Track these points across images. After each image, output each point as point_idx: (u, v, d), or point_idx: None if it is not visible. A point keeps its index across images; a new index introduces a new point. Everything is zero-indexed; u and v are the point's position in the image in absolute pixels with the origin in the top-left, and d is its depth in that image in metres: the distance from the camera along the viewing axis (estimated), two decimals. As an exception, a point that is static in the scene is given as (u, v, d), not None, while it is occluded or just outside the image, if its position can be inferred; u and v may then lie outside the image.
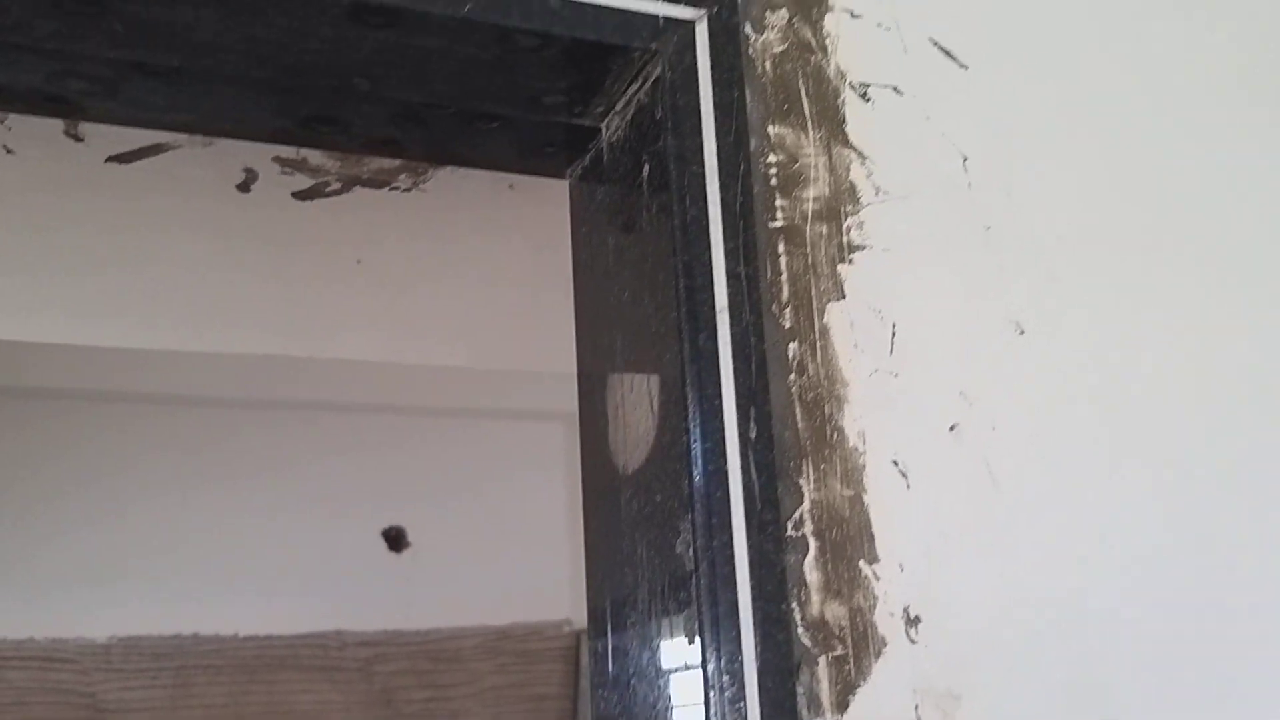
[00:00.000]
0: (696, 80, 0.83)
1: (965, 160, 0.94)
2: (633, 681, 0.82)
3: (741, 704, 0.70)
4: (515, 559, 2.88)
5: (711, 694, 0.70)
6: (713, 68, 0.83)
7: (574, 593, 3.01)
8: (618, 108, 0.90)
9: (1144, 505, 0.89)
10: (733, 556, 0.73)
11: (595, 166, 0.99)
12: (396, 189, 1.20)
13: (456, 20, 0.78)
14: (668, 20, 0.83)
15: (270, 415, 2.65)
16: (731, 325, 0.78)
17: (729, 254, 0.79)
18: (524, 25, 0.79)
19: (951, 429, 0.86)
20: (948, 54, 0.96)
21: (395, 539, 2.84)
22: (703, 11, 0.85)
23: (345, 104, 0.92)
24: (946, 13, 0.97)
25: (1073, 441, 0.89)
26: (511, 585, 2.82)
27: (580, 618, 2.88)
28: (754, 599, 0.72)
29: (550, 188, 1.15)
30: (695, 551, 0.73)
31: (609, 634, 0.89)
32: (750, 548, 0.73)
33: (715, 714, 0.70)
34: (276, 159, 1.13)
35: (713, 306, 0.78)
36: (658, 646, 0.78)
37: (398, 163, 1.16)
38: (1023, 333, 0.91)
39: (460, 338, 1.70)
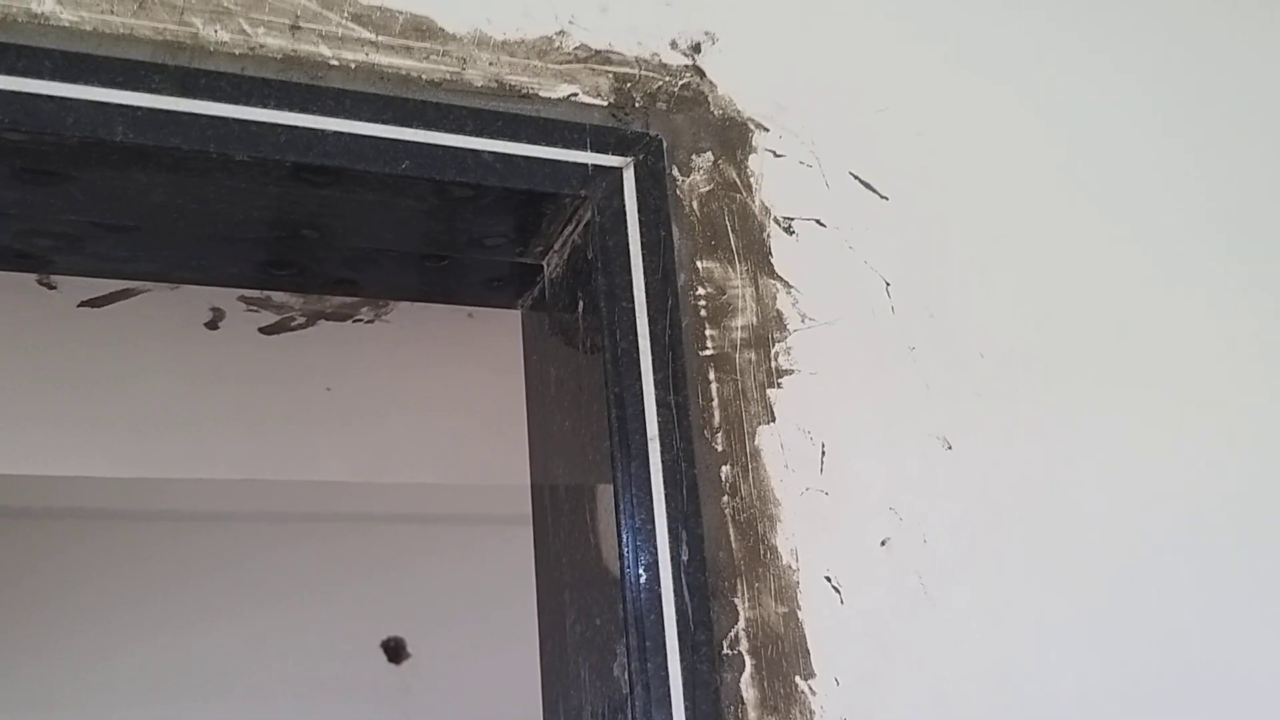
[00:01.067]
0: (625, 222, 0.88)
1: (888, 285, 0.99)
2: (581, 804, 0.84)
3: (678, 825, 0.72)
4: (517, 668, 2.84)
5: (649, 815, 0.72)
6: (640, 210, 0.89)
7: None
8: (555, 247, 0.95)
9: (1070, 620, 0.92)
10: (667, 678, 0.76)
11: (541, 298, 1.04)
12: (360, 320, 1.25)
13: (394, 176, 0.83)
14: (596, 168, 0.89)
15: (263, 529, 2.66)
16: (663, 452, 0.82)
17: (659, 384, 0.83)
18: (458, 178, 0.84)
19: (883, 544, 0.89)
20: (868, 186, 1.02)
21: (395, 650, 2.83)
22: (630, 159, 0.91)
23: (299, 251, 0.97)
24: (866, 148, 1.03)
25: (1000, 554, 0.93)
26: (513, 695, 2.79)
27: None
28: (689, 719, 0.75)
29: (507, 316, 1.20)
30: (630, 675, 0.76)
31: (562, 757, 0.91)
32: (684, 668, 0.76)
33: (654, 835, 0.72)
34: (242, 298, 1.18)
35: (644, 435, 0.82)
36: (601, 769, 0.80)
37: (357, 297, 1.21)
38: (950, 448, 0.95)
39: (429, 458, 1.74)
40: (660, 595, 0.78)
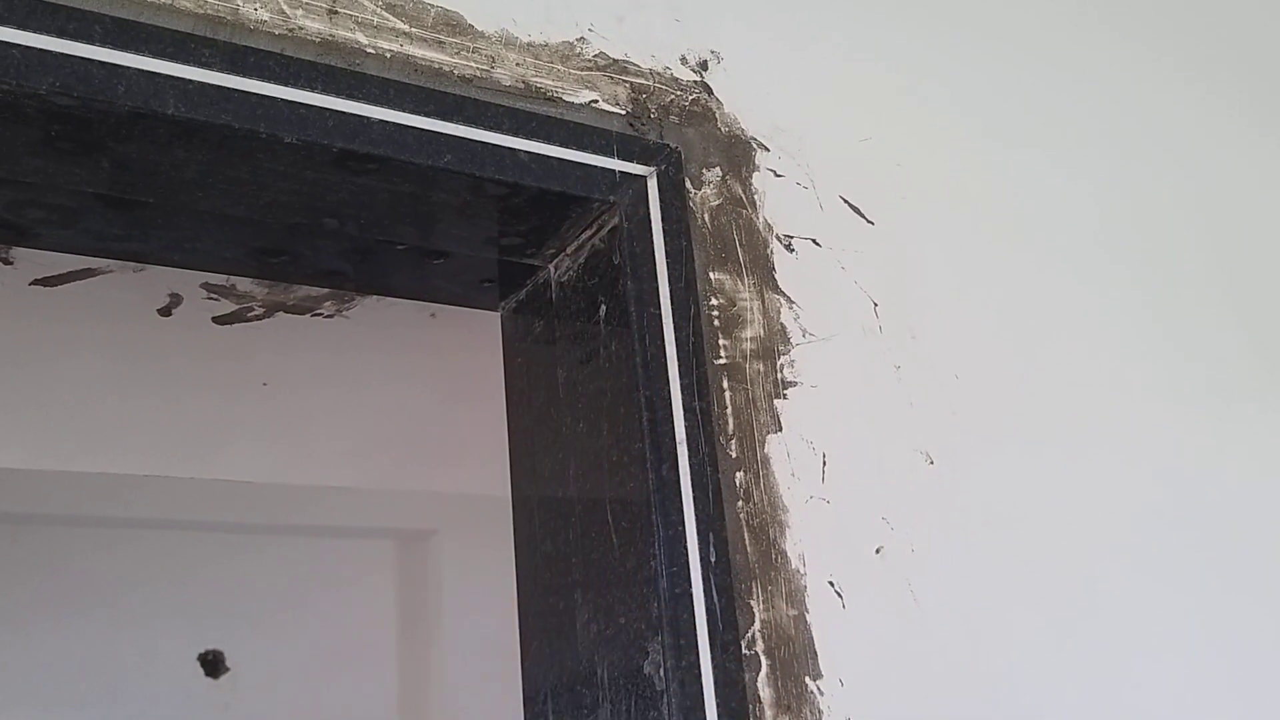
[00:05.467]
0: (650, 230, 0.90)
1: (875, 306, 1.03)
2: (588, 801, 0.85)
3: (713, 817, 0.74)
4: (341, 684, 2.79)
5: (684, 808, 0.74)
6: (663, 219, 0.91)
7: (403, 716, 2.93)
8: (568, 250, 0.97)
9: (1038, 627, 0.99)
10: (700, 676, 0.78)
11: (533, 301, 1.05)
12: (320, 315, 1.22)
13: (435, 169, 0.83)
14: (624, 174, 0.91)
15: (72, 532, 2.50)
16: (690, 456, 0.84)
17: (684, 389, 0.86)
18: (497, 175, 0.85)
19: (877, 551, 0.93)
20: (856, 210, 1.07)
21: (213, 664, 2.73)
22: (653, 168, 0.93)
23: (303, 239, 0.95)
24: (853, 174, 1.08)
25: (977, 564, 0.98)
26: (337, 711, 2.73)
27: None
28: (719, 715, 0.77)
29: (471, 318, 1.20)
30: (665, 671, 0.77)
31: (553, 755, 0.91)
32: (715, 667, 0.78)
33: (687, 828, 0.74)
34: (204, 285, 1.15)
35: (673, 438, 0.84)
36: (621, 765, 0.81)
37: (325, 290, 1.19)
38: (932, 463, 1.00)
39: (350, 460, 1.71)
40: (691, 595, 0.80)
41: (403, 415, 1.53)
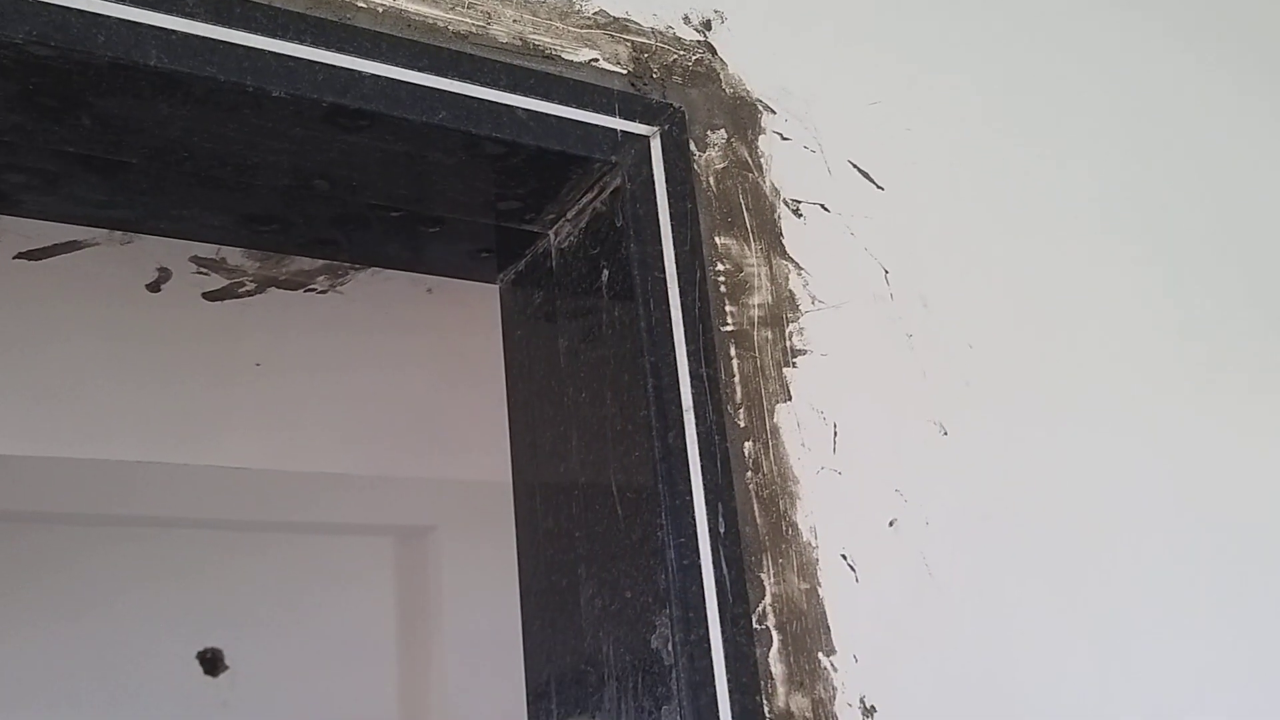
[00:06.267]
0: (654, 191, 0.87)
1: (886, 274, 1.00)
2: (593, 783, 0.82)
3: (724, 796, 0.71)
4: (341, 681, 2.77)
5: (694, 788, 0.71)
6: (667, 180, 0.88)
7: (403, 714, 2.89)
8: (569, 215, 0.93)
9: (1053, 603, 0.95)
10: (709, 650, 0.75)
11: (532, 271, 1.02)
12: (313, 290, 1.19)
13: (429, 126, 0.80)
14: (625, 134, 0.88)
15: (71, 531, 2.47)
16: (697, 424, 0.81)
17: (691, 355, 0.82)
18: (494, 134, 0.82)
19: (891, 524, 0.90)
20: (866, 175, 1.03)
21: (212, 662, 2.70)
22: (656, 128, 0.89)
23: (293, 204, 0.92)
24: (862, 138, 1.05)
25: (991, 537, 0.95)
26: (337, 709, 2.71)
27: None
28: (730, 691, 0.74)
29: (469, 292, 1.17)
30: (674, 646, 0.74)
31: (556, 737, 0.88)
32: (725, 641, 0.75)
33: (697, 808, 0.71)
34: (194, 258, 1.11)
35: (679, 406, 0.81)
36: (628, 744, 0.78)
37: (319, 264, 1.16)
38: (945, 434, 0.97)
39: (348, 445, 1.67)
40: (700, 567, 0.77)
41: (400, 398, 1.50)
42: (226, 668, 2.69)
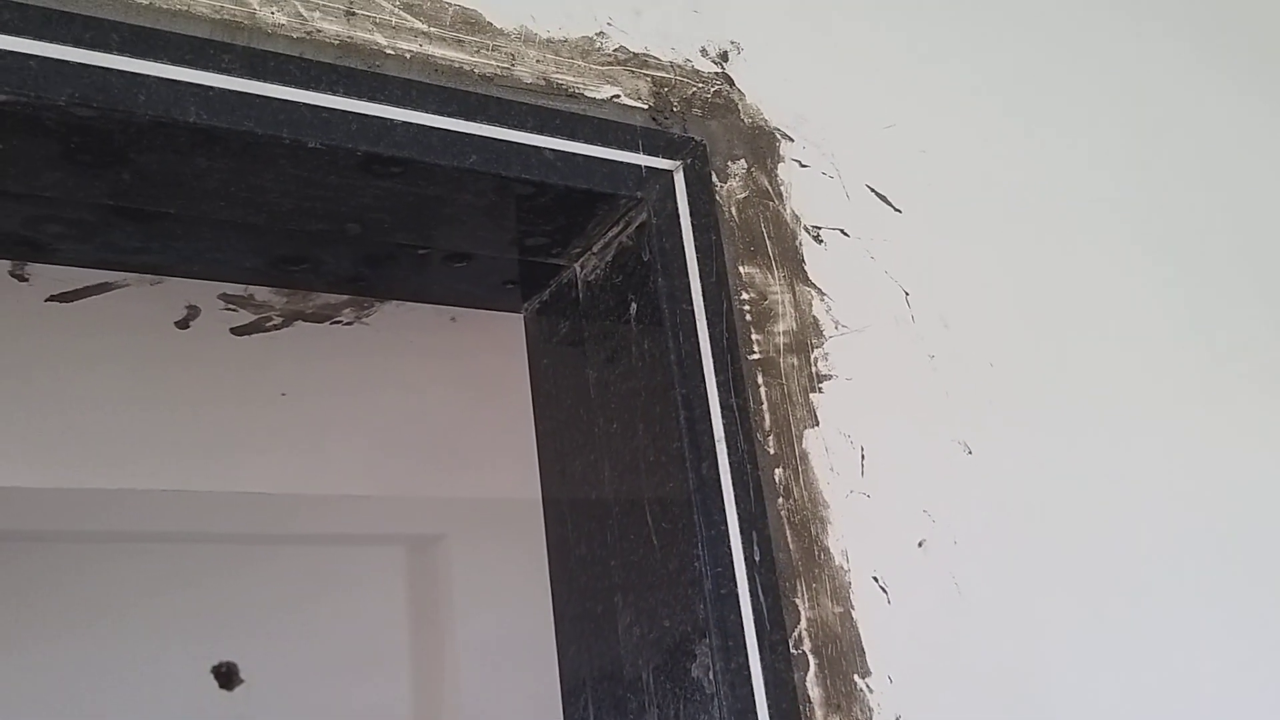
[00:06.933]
0: (679, 225, 0.88)
1: (907, 296, 1.02)
2: (636, 808, 0.83)
3: (769, 822, 0.73)
4: (355, 691, 2.78)
5: (739, 814, 0.73)
6: (691, 213, 0.89)
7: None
8: (594, 249, 0.95)
9: (1083, 618, 0.97)
10: (749, 678, 0.76)
11: (557, 301, 1.03)
12: (339, 323, 1.21)
13: (460, 170, 0.81)
14: (650, 170, 0.89)
15: (84, 548, 2.48)
16: (729, 454, 0.82)
17: (720, 386, 0.84)
18: (522, 175, 0.83)
19: (920, 545, 0.92)
20: (883, 199, 1.05)
21: (226, 676, 2.71)
22: (679, 162, 0.91)
23: (324, 246, 0.93)
24: (878, 162, 1.06)
25: (1020, 555, 0.97)
26: (353, 718, 2.72)
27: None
28: (770, 718, 0.75)
29: (492, 320, 1.19)
30: (715, 675, 0.76)
31: (596, 763, 0.90)
32: (764, 668, 0.77)
33: (742, 834, 0.73)
34: (222, 295, 1.13)
35: (711, 436, 0.82)
36: (671, 771, 0.80)
37: (344, 297, 1.17)
38: (970, 453, 0.98)
39: (369, 466, 1.69)
40: (737, 596, 0.78)
41: (421, 421, 1.51)
42: (242, 681, 2.70)
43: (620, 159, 0.88)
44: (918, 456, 0.95)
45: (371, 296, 1.11)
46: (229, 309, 1.14)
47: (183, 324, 1.17)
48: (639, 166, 0.89)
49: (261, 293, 1.13)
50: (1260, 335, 1.21)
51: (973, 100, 1.16)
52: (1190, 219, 1.25)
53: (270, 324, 1.18)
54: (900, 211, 1.05)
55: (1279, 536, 1.11)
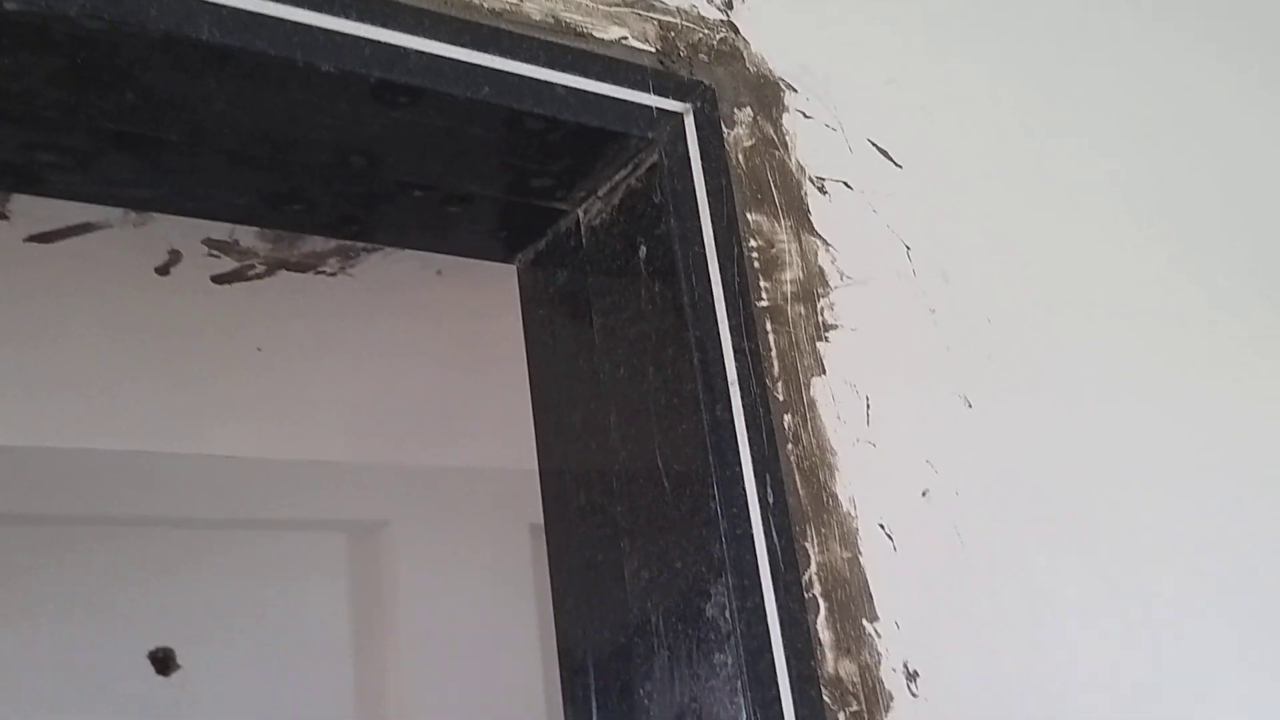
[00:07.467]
0: (690, 168, 0.87)
1: (908, 250, 1.02)
2: (642, 754, 0.82)
3: (786, 761, 0.72)
4: (296, 680, 2.75)
5: (756, 753, 0.72)
6: (702, 157, 0.88)
7: (359, 712, 2.87)
8: (600, 193, 0.94)
9: (1086, 567, 0.98)
10: (765, 617, 0.76)
11: (555, 250, 1.02)
12: (323, 272, 1.18)
13: (473, 102, 0.80)
14: (661, 111, 0.88)
15: (15, 531, 2.42)
16: (742, 397, 0.81)
17: (733, 330, 0.83)
18: (535, 110, 0.82)
19: (924, 494, 0.92)
20: (885, 154, 1.05)
21: (163, 662, 2.67)
22: (689, 105, 0.90)
23: (322, 182, 0.91)
24: (880, 117, 1.06)
25: (1019, 507, 0.97)
26: (292, 705, 2.69)
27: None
28: (787, 658, 0.75)
29: (478, 274, 1.17)
30: (731, 613, 0.75)
31: (594, 710, 0.89)
32: (779, 608, 0.76)
33: (758, 773, 0.72)
34: (206, 240, 1.10)
35: (725, 379, 0.81)
36: (680, 712, 0.79)
37: (331, 245, 1.15)
38: (970, 406, 0.98)
39: (343, 433, 1.66)
40: (753, 537, 0.78)
41: (399, 385, 1.49)
42: (179, 667, 2.65)
43: (632, 98, 0.87)
44: (920, 408, 0.95)
45: (363, 240, 1.09)
46: (212, 254, 1.11)
47: (163, 270, 1.13)
48: (650, 107, 0.87)
49: (247, 238, 1.10)
50: (1251, 295, 1.23)
51: (973, 60, 1.16)
52: (1190, 181, 1.26)
53: (253, 272, 1.15)
54: (901, 167, 1.05)
55: (1270, 485, 1.13)
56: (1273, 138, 1.39)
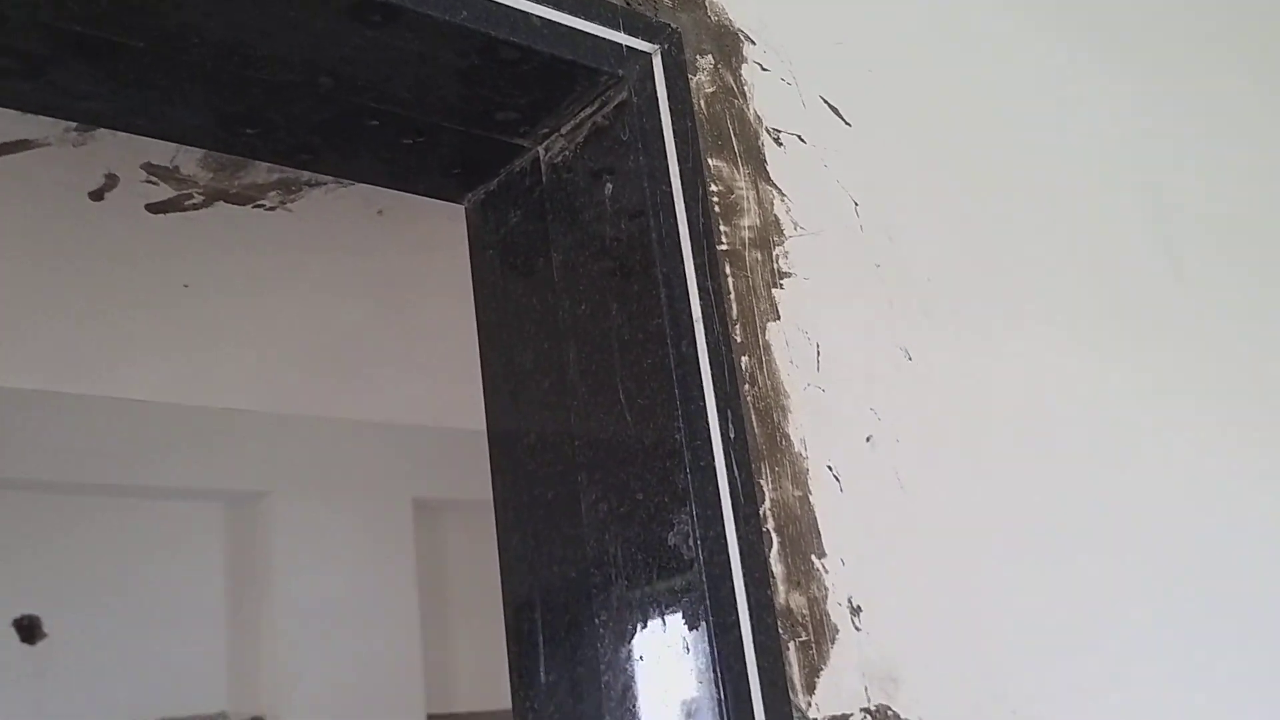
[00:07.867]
0: (657, 107, 0.88)
1: (856, 205, 1.04)
2: (592, 679, 0.83)
3: (744, 684, 0.74)
4: (166, 648, 2.70)
5: (715, 676, 0.74)
6: (669, 97, 0.89)
7: (231, 681, 2.83)
8: (563, 130, 0.94)
9: (1018, 517, 1.02)
10: (726, 546, 0.77)
11: (508, 190, 1.02)
12: (261, 206, 1.16)
13: (450, 25, 0.79)
14: (630, 50, 0.89)
15: None
16: (706, 335, 0.83)
17: (698, 269, 0.85)
18: (510, 38, 0.82)
19: (868, 440, 0.95)
20: (835, 111, 1.07)
21: (29, 629, 2.60)
22: (658, 46, 0.91)
23: (282, 105, 0.89)
24: (831, 75, 1.08)
25: (952, 454, 1.01)
26: (161, 676, 2.65)
27: (240, 708, 2.73)
28: (745, 586, 0.77)
29: (420, 214, 1.16)
30: (695, 542, 0.77)
31: (541, 644, 0.90)
32: (739, 539, 0.78)
33: (715, 695, 0.74)
34: (146, 165, 1.07)
35: (690, 316, 0.83)
36: (638, 638, 0.80)
37: (273, 178, 1.12)
38: (910, 359, 1.02)
39: (259, 379, 1.63)
40: (715, 469, 0.79)
41: (329, 326, 1.46)
42: (45, 635, 2.58)
43: (604, 35, 0.87)
44: (865, 358, 0.98)
45: (312, 169, 1.07)
46: (150, 181, 1.08)
47: (97, 195, 1.09)
48: (620, 45, 0.88)
49: (189, 165, 1.07)
50: (1195, 248, 1.29)
51: (918, 26, 1.19)
52: (1138, 146, 1.32)
53: (190, 203, 1.12)
54: (850, 125, 1.08)
55: (1201, 430, 1.19)
56: (1223, 92, 1.46)
